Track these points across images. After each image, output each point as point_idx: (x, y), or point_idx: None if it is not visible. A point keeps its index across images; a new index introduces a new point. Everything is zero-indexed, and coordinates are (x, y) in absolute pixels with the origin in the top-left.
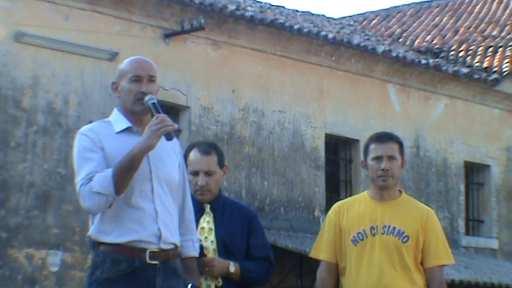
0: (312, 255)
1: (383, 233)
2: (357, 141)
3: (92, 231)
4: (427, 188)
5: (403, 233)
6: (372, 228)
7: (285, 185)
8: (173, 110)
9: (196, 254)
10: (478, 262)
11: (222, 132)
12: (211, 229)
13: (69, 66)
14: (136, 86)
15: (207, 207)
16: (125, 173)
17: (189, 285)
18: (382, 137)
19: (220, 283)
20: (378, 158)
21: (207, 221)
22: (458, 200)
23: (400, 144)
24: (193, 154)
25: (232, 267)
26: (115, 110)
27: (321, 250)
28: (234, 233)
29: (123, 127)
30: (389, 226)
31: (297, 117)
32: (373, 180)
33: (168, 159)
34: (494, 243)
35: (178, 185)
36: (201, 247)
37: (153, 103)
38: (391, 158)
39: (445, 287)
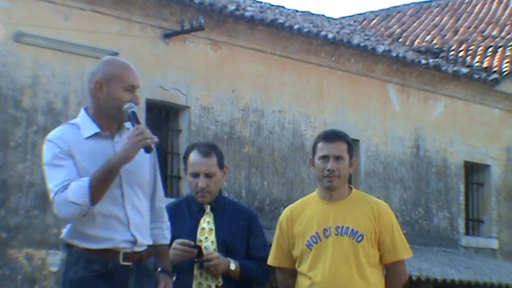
0: (269, 263)
1: (337, 234)
2: (357, 141)
3: (64, 235)
4: (427, 188)
5: (357, 232)
6: (325, 230)
7: (285, 185)
8: (173, 110)
9: (166, 241)
10: (478, 262)
11: (221, 132)
12: (211, 230)
13: (69, 66)
14: (129, 95)
15: (207, 208)
16: (102, 184)
17: (159, 269)
18: (330, 136)
19: (221, 283)
20: (325, 158)
21: (207, 221)
22: (458, 200)
23: (349, 144)
24: (193, 156)
25: (233, 265)
26: (82, 112)
27: (277, 258)
28: (234, 233)
29: (92, 132)
30: (342, 227)
31: (297, 117)
32: (319, 179)
33: (140, 158)
34: (494, 243)
35: (149, 183)
36: (199, 248)
37: (133, 112)
38: (338, 158)
39: (404, 280)
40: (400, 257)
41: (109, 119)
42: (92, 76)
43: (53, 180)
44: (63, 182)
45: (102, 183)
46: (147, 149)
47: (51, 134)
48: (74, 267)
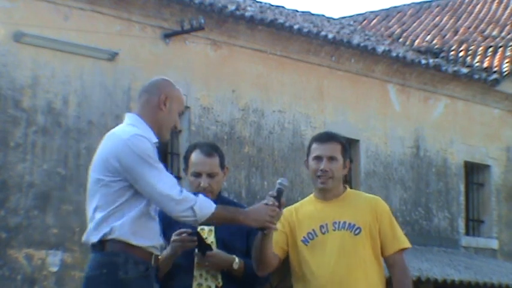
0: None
1: (334, 230)
2: (357, 141)
3: (119, 230)
4: (427, 188)
5: (354, 225)
6: (321, 227)
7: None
8: None
9: None
10: (478, 262)
11: (221, 133)
12: (211, 230)
13: (68, 67)
14: (177, 118)
15: None
16: (215, 221)
17: None
18: (323, 137)
19: (221, 284)
20: (318, 158)
21: None
22: (459, 200)
23: (343, 145)
24: (196, 155)
25: (236, 264)
26: (138, 119)
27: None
28: (234, 233)
29: (155, 140)
30: (339, 222)
31: (297, 117)
32: (313, 180)
33: None
34: (494, 244)
35: None
36: (198, 234)
37: (283, 191)
38: (331, 158)
39: (409, 271)
40: (402, 245)
41: (157, 132)
42: (154, 89)
43: (163, 173)
44: (176, 182)
45: (216, 220)
46: (263, 229)
47: (137, 130)
48: (123, 267)
